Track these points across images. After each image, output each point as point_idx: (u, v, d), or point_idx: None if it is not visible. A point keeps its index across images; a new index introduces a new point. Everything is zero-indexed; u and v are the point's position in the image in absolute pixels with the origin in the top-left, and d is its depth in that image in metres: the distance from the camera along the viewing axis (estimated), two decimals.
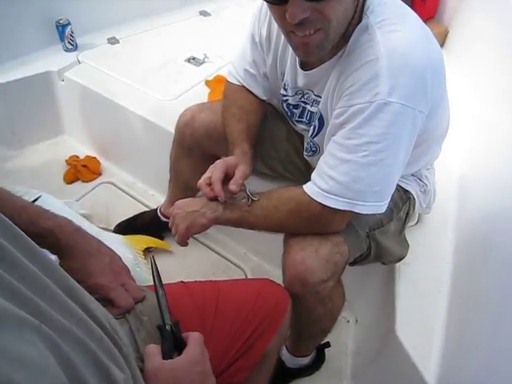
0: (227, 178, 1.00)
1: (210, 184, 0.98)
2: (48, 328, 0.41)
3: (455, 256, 1.26)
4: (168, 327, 0.73)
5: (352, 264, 1.11)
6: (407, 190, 1.16)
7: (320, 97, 1.03)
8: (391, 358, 1.18)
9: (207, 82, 1.81)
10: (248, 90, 1.22)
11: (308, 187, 0.93)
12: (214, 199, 0.98)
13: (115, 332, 0.60)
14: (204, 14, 2.35)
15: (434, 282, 1.21)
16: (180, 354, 0.66)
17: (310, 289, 0.97)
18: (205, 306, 0.83)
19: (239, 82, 1.23)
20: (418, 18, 0.93)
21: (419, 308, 1.16)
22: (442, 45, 2.29)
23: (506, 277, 0.96)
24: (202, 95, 1.74)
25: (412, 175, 1.17)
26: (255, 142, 1.18)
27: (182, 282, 0.88)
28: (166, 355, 0.67)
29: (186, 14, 2.31)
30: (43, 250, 0.57)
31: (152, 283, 0.80)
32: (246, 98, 1.22)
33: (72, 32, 1.94)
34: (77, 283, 0.58)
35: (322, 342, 1.31)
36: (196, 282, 0.89)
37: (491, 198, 1.24)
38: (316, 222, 0.95)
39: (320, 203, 0.90)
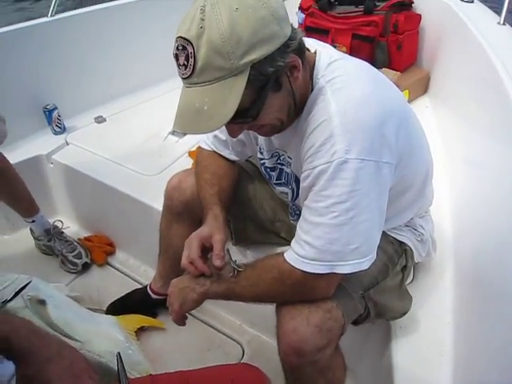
0: (206, 249, 1.00)
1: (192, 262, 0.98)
2: None
3: (456, 313, 1.19)
4: None
5: (355, 324, 1.07)
6: (403, 242, 1.13)
7: (291, 158, 1.04)
8: None
9: (190, 153, 1.83)
10: (219, 154, 1.23)
11: (287, 254, 0.92)
12: (202, 275, 0.98)
13: None
14: None
15: (435, 346, 1.13)
16: None
17: (307, 358, 0.93)
18: None
19: (209, 146, 1.24)
20: (372, 68, 0.93)
21: (420, 376, 1.08)
22: (425, 89, 2.31)
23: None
24: (185, 167, 1.73)
25: (406, 226, 1.14)
26: (228, 204, 1.17)
27: (150, 375, 0.83)
28: None
29: (169, 86, 2.35)
30: None
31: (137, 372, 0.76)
32: (217, 163, 1.22)
33: (59, 116, 2.00)
34: None
35: None
36: (165, 373, 0.84)
37: (486, 246, 1.17)
38: (301, 289, 0.92)
39: (300, 270, 0.88)
